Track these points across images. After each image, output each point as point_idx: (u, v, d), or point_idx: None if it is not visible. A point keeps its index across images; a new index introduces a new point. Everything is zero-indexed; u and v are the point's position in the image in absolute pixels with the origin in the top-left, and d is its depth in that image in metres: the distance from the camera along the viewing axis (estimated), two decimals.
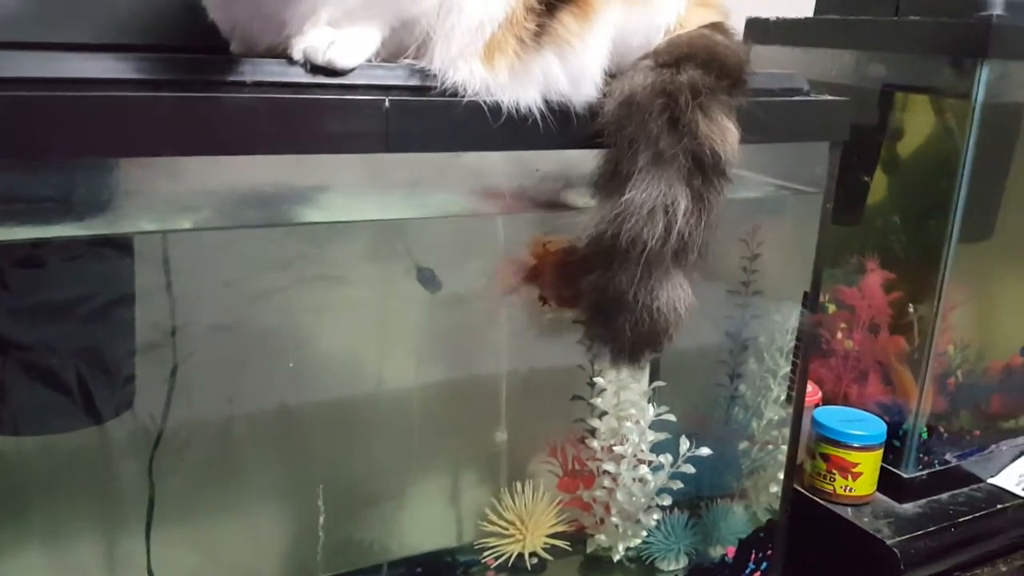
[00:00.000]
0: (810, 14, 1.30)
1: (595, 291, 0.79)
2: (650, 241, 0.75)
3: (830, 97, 0.96)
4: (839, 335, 1.31)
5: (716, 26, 0.86)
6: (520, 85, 0.73)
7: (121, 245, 0.87)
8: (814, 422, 1.19)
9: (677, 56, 0.80)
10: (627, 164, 0.76)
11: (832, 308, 1.31)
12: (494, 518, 1.05)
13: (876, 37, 1.18)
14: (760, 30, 1.28)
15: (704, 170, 0.78)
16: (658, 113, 0.76)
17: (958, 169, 1.12)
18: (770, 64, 0.94)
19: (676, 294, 0.79)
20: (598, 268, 0.78)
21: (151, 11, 0.75)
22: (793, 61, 1.26)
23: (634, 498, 1.06)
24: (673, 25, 0.83)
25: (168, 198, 0.75)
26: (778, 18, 1.28)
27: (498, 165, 0.84)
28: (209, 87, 0.65)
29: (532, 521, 1.06)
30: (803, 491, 1.20)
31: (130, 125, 0.63)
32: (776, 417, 1.12)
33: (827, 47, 1.23)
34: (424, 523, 1.19)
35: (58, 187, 0.69)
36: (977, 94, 1.08)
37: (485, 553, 1.06)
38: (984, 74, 1.08)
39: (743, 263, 1.10)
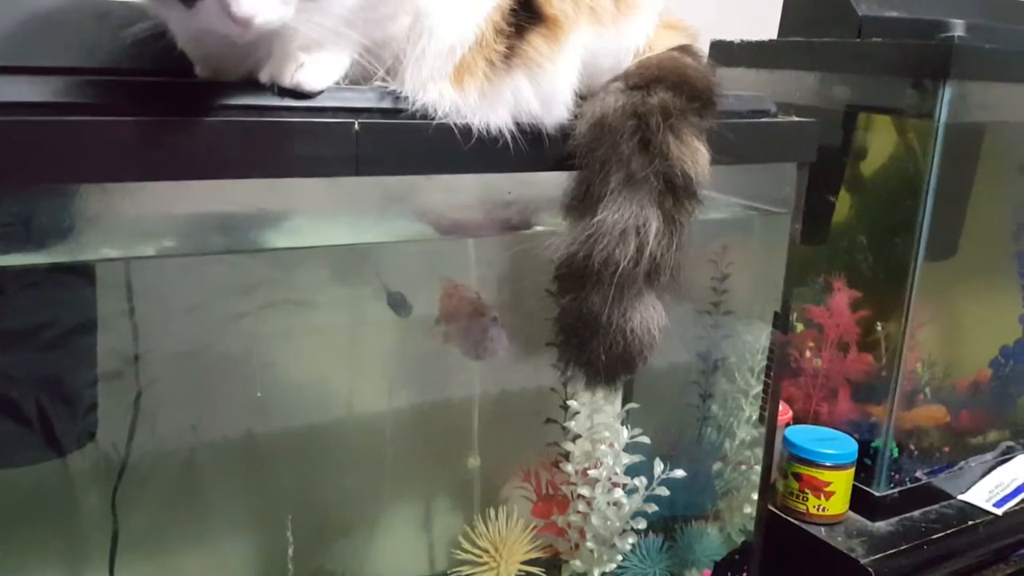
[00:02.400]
0: (774, 36, 1.32)
1: (568, 313, 0.79)
2: (622, 262, 0.75)
3: (797, 119, 0.97)
4: (808, 354, 1.32)
5: (685, 48, 0.87)
6: (490, 107, 0.73)
7: (82, 271, 0.85)
8: (785, 441, 1.19)
9: (647, 78, 0.80)
10: (599, 186, 0.76)
11: (800, 327, 1.32)
12: (467, 545, 1.04)
13: (839, 59, 1.20)
14: (725, 52, 1.30)
15: (675, 191, 0.78)
16: (629, 135, 0.77)
17: (922, 188, 1.13)
18: (735, 86, 0.95)
19: (649, 315, 0.79)
20: (570, 290, 0.78)
21: (117, 37, 0.74)
22: (758, 83, 1.26)
23: (609, 522, 1.05)
24: (642, 47, 0.84)
25: (131, 224, 0.74)
26: (743, 40, 1.29)
27: (469, 187, 0.84)
28: (175, 111, 0.64)
29: (506, 548, 1.04)
30: (776, 511, 1.20)
31: (94, 150, 0.61)
32: (748, 437, 1.12)
33: (791, 69, 1.24)
34: (396, 552, 1.17)
35: (18, 213, 0.67)
36: (940, 114, 1.10)
37: None
38: (946, 95, 1.09)
39: (713, 283, 1.11)
